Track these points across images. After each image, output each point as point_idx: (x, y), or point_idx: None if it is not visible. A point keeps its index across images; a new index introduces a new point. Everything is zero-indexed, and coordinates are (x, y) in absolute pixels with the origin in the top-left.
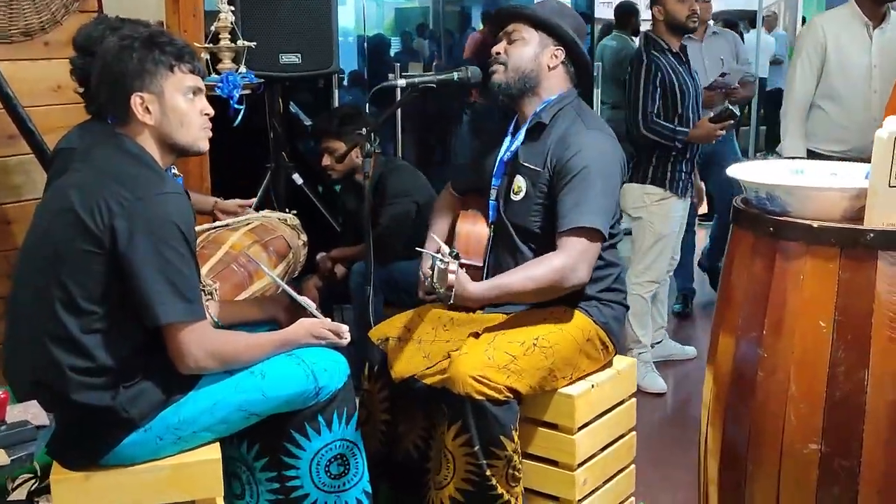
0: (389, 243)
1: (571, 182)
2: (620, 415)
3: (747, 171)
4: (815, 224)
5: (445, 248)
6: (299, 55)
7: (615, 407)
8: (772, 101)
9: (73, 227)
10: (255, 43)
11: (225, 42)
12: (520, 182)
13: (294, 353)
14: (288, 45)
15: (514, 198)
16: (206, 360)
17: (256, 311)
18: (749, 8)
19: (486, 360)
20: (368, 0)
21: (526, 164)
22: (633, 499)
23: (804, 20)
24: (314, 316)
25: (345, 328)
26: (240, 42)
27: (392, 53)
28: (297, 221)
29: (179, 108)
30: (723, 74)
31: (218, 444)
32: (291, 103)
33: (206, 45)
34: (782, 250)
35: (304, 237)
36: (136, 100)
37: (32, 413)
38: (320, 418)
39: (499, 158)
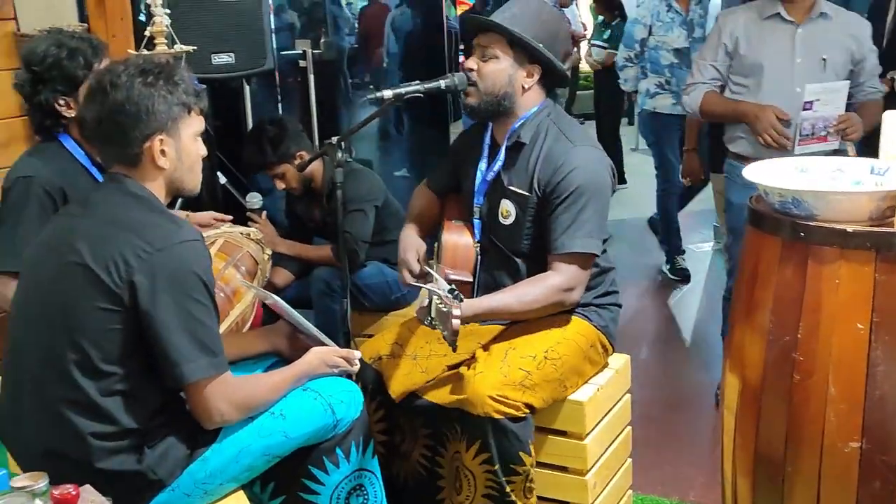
0: (354, 251)
1: (563, 203)
2: (619, 413)
3: (767, 176)
4: (850, 229)
5: (444, 285)
6: (232, 55)
7: (614, 406)
8: None
9: (87, 284)
10: (193, 47)
11: (162, 47)
12: (507, 206)
13: (308, 385)
14: (219, 45)
15: (503, 221)
16: (232, 413)
17: (258, 343)
18: None
19: (503, 377)
20: None
21: (511, 188)
22: (630, 492)
23: None
24: (320, 342)
25: (357, 354)
26: (177, 46)
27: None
28: (260, 235)
29: (191, 153)
30: (807, 105)
31: (242, 491)
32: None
33: (142, 53)
34: (815, 255)
35: (268, 251)
36: (155, 144)
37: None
38: (338, 451)
39: (480, 177)
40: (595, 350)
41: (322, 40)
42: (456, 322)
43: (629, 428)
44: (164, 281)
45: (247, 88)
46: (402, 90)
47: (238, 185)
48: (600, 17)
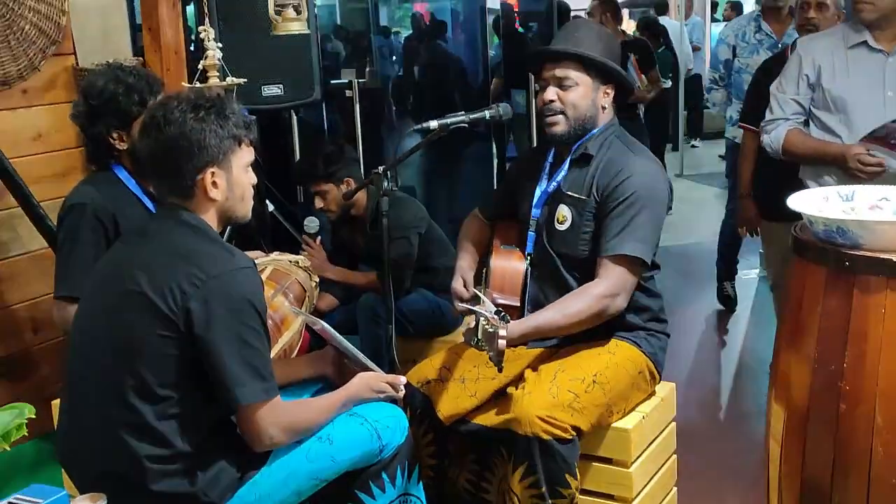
0: (399, 278)
1: (618, 207)
2: (664, 441)
3: (811, 205)
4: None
5: (491, 307)
6: (281, 86)
7: (659, 434)
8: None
9: (144, 311)
10: (244, 80)
11: (214, 80)
12: (563, 211)
13: (354, 411)
14: (269, 76)
15: (558, 227)
16: (281, 437)
17: (305, 368)
18: None
19: (551, 398)
20: None
21: (569, 193)
22: None
23: (714, 6)
24: (366, 367)
25: (402, 380)
26: (229, 79)
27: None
28: (308, 263)
29: (242, 183)
30: None
31: None
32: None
33: (195, 85)
34: (861, 284)
35: (315, 278)
36: (207, 176)
37: None
38: (384, 475)
39: (540, 192)
40: (643, 377)
41: (367, 69)
42: (502, 342)
43: (674, 456)
44: (218, 307)
45: (294, 118)
46: (448, 120)
47: (286, 213)
48: None
